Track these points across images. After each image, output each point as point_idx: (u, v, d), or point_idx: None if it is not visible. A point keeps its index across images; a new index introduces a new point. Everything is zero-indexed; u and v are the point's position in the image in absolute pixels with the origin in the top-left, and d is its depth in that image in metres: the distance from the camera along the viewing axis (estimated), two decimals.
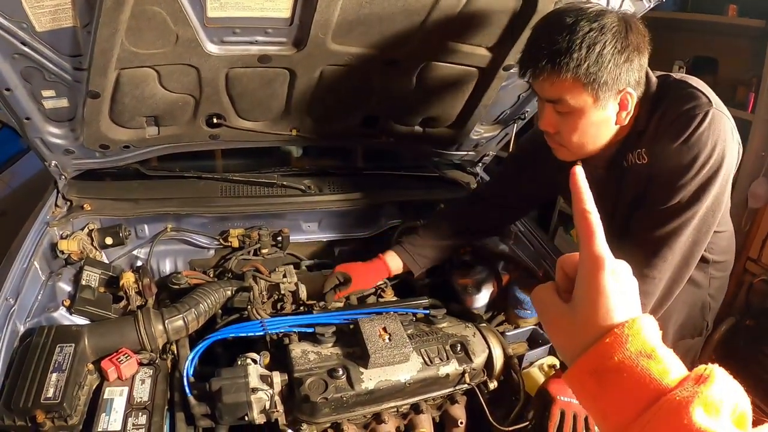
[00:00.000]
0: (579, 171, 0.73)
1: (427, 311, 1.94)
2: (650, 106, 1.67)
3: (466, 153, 2.81)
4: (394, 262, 2.21)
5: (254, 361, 1.70)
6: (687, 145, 1.57)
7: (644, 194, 1.73)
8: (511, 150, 2.60)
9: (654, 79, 1.69)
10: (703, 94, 1.61)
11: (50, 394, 1.49)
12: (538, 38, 1.58)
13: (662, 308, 1.75)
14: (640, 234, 1.71)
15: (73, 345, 1.64)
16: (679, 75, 1.73)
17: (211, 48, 1.83)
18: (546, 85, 1.58)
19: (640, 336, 0.63)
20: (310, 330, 1.79)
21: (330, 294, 2.07)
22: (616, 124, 1.66)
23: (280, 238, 2.43)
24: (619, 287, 0.67)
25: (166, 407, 1.63)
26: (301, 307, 2.12)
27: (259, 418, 1.61)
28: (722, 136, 1.57)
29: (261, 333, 1.80)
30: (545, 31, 1.56)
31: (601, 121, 1.63)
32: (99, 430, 1.48)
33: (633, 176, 1.75)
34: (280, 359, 1.74)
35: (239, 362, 1.69)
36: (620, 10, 1.70)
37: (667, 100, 1.65)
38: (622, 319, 0.65)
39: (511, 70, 2.16)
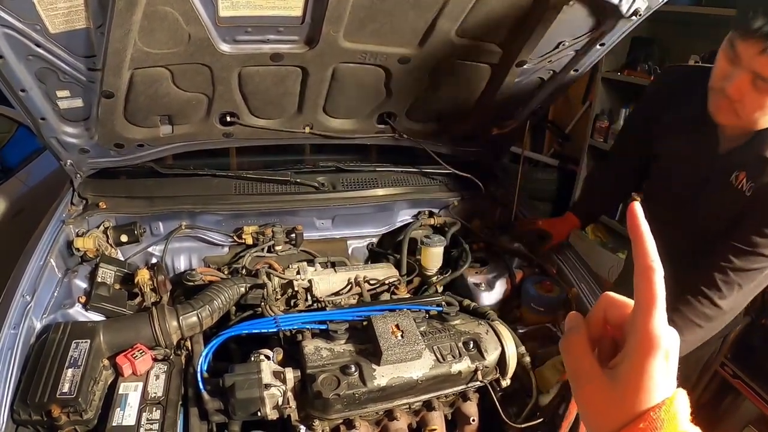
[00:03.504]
0: (638, 209, 0.63)
1: (440, 308, 1.94)
2: None
3: (480, 149, 2.80)
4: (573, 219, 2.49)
5: (267, 358, 1.71)
6: None
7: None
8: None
9: None
10: None
11: (66, 389, 1.51)
12: None
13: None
14: (733, 258, 1.70)
15: (89, 341, 1.66)
16: None
17: (224, 47, 1.84)
18: (764, 60, 1.43)
19: (675, 421, 0.58)
20: (323, 327, 1.80)
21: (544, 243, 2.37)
22: None
23: (293, 235, 2.44)
24: (667, 369, 0.60)
25: (180, 402, 1.65)
26: (315, 304, 2.13)
27: (272, 414, 1.62)
28: None
29: (274, 329, 1.81)
30: None
31: None
32: (113, 424, 1.50)
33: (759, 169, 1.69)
34: (293, 356, 1.76)
35: (252, 358, 1.70)
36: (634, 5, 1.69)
37: None
38: (659, 400, 0.59)
39: (525, 66, 2.16)
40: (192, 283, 2.10)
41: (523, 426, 1.79)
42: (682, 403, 0.59)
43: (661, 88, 2.15)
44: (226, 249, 2.47)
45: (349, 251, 2.64)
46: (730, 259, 1.71)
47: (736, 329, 3.07)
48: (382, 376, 1.65)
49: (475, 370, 1.76)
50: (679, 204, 1.96)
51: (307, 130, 2.41)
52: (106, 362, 1.68)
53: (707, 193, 1.85)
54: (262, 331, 1.82)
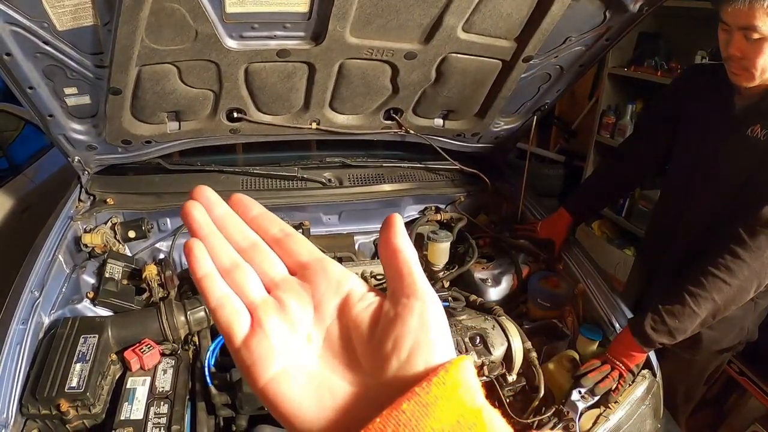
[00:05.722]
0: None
1: (447, 303, 1.94)
2: None
3: (486, 145, 2.80)
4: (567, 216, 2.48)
5: None
6: None
7: None
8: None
9: None
10: None
11: (74, 383, 1.52)
12: None
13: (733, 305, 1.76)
14: (755, 210, 1.74)
15: (97, 336, 1.67)
16: None
17: (230, 43, 1.85)
18: (741, 14, 1.68)
19: (458, 391, 0.40)
20: None
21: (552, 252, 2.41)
22: None
23: (300, 231, 2.43)
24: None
25: (188, 397, 1.65)
26: None
27: None
28: None
29: None
30: None
31: None
32: (121, 418, 1.51)
33: None
34: None
35: None
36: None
37: None
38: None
39: (532, 62, 2.15)
40: None
41: (529, 421, 1.79)
42: (468, 369, 0.42)
43: (685, 83, 2.22)
44: None
45: (356, 246, 2.64)
46: (752, 212, 1.76)
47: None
48: None
49: (482, 365, 1.76)
50: (701, 176, 2.02)
51: (314, 125, 2.41)
52: (114, 357, 1.69)
53: (726, 153, 1.92)
54: None
